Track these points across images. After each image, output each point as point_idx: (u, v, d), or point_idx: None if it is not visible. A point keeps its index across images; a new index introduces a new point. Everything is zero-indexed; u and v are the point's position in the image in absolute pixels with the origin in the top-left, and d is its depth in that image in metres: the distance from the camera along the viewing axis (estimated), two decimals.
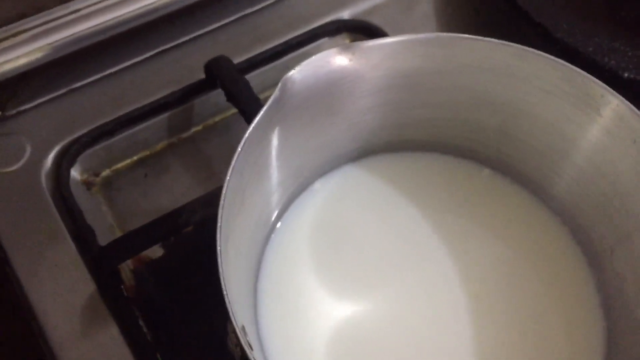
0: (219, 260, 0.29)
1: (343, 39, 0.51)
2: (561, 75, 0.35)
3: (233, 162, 0.31)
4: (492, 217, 0.41)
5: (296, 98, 0.34)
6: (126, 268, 0.43)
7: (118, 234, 0.44)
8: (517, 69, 0.36)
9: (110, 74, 0.48)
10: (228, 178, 0.31)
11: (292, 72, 0.33)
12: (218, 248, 0.29)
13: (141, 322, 0.40)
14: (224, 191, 0.30)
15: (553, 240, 0.40)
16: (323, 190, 0.42)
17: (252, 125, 0.32)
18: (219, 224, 0.29)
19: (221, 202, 0.30)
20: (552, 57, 0.35)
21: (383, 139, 0.42)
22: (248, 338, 0.28)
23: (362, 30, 0.51)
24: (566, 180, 0.39)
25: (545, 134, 0.38)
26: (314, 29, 0.50)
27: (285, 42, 0.49)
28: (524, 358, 0.37)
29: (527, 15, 0.48)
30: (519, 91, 0.37)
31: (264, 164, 0.36)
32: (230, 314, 0.27)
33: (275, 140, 0.35)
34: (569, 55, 0.46)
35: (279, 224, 0.41)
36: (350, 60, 0.35)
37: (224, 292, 0.28)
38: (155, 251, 0.43)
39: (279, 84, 0.33)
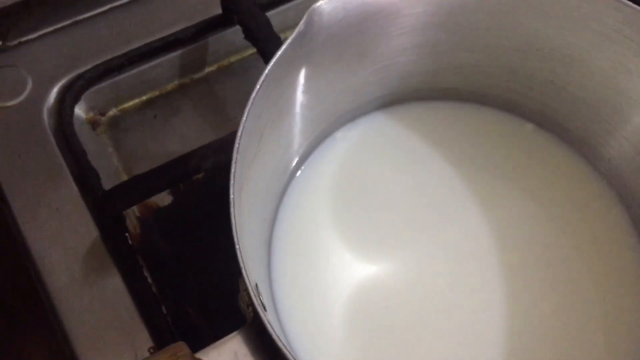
0: (231, 210, 0.26)
1: None
2: (625, 17, 0.32)
3: (250, 102, 0.28)
4: (532, 177, 0.38)
5: (323, 33, 0.32)
6: (132, 215, 0.41)
7: (124, 177, 0.43)
8: (573, 8, 0.33)
9: (120, 6, 0.46)
10: (244, 119, 0.28)
11: (319, 3, 0.31)
12: (231, 197, 0.26)
13: (146, 273, 0.38)
14: (239, 133, 0.27)
15: (599, 205, 0.38)
16: (347, 139, 0.39)
17: (273, 60, 0.29)
18: (232, 170, 0.27)
19: (236, 145, 0.27)
20: None
21: (416, 85, 0.39)
22: (261, 297, 0.26)
23: None
24: (619, 140, 0.36)
25: (600, 87, 0.35)
26: None
27: None
28: (558, 332, 0.35)
29: None
30: (573, 35, 0.34)
31: (284, 106, 0.33)
32: (243, 270, 0.25)
33: (297, 80, 0.33)
34: None
35: (297, 174, 0.39)
36: None
37: (237, 246, 0.25)
38: (164, 198, 0.42)
39: (305, 16, 0.30)
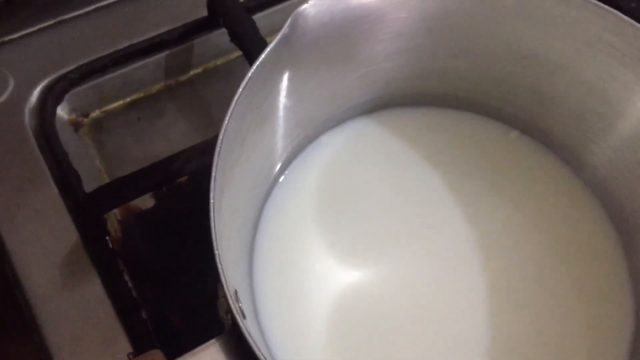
0: (211, 214, 0.26)
1: None
2: (609, 25, 0.32)
3: (233, 104, 0.28)
4: (516, 184, 0.38)
5: (308, 37, 0.31)
6: (113, 218, 0.41)
7: (106, 180, 0.42)
8: (557, 16, 0.33)
9: (105, 6, 0.45)
10: (226, 121, 0.28)
11: (304, 6, 0.31)
12: (211, 201, 0.26)
13: (126, 277, 0.38)
14: (220, 136, 0.27)
15: (582, 213, 0.38)
16: (332, 144, 0.39)
17: (257, 62, 0.29)
18: (213, 174, 0.26)
19: (217, 148, 0.27)
20: (599, 3, 0.32)
21: (401, 90, 0.39)
22: (240, 305, 0.25)
23: None
24: (603, 148, 0.36)
25: (584, 95, 0.35)
26: None
27: None
28: (542, 338, 0.35)
29: None
30: (557, 43, 0.34)
31: (268, 109, 0.33)
32: (222, 276, 0.24)
33: (281, 84, 0.32)
34: None
35: (281, 179, 0.38)
36: None
37: (215, 252, 0.25)
38: (146, 201, 0.41)
39: (289, 19, 0.30)
